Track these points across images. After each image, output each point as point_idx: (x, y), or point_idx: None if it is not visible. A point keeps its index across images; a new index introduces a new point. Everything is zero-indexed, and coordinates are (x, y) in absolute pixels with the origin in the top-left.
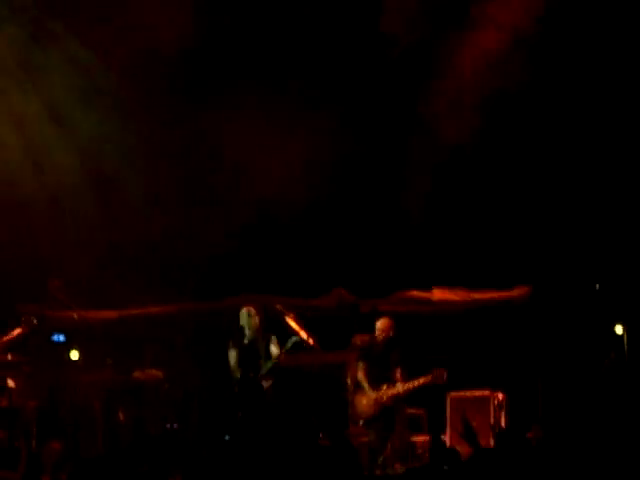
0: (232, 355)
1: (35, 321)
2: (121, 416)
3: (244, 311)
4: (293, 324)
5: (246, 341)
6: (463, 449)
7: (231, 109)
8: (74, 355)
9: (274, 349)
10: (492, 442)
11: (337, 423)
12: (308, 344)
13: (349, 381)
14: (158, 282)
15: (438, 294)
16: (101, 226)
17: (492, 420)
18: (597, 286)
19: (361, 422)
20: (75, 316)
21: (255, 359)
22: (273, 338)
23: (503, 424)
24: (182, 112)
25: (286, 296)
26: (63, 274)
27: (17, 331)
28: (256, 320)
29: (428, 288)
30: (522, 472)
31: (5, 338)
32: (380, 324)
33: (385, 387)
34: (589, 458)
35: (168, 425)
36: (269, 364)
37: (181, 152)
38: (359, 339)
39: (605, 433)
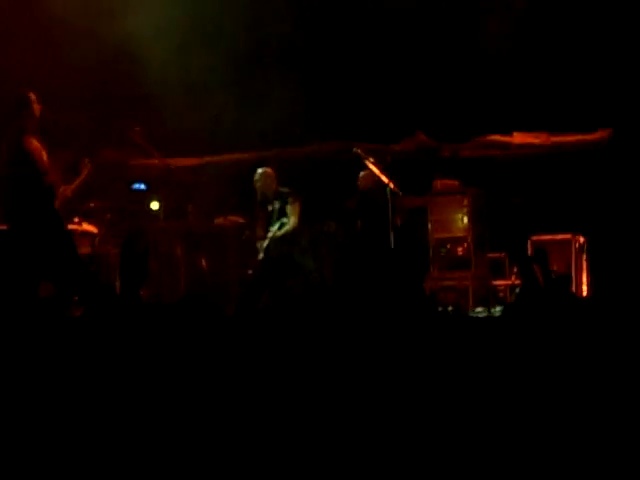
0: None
1: (89, 164)
2: (203, 262)
3: (259, 171)
4: (374, 168)
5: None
6: None
7: None
8: (154, 205)
9: (290, 212)
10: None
11: (419, 267)
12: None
13: (430, 225)
14: (241, 129)
15: (518, 138)
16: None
17: (573, 263)
18: None
19: None
20: (157, 162)
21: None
22: (291, 201)
23: (584, 267)
24: None
25: (366, 141)
26: (144, 120)
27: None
28: (268, 182)
29: (508, 132)
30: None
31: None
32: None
33: None
34: None
35: (249, 271)
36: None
37: None
38: (439, 184)
39: None
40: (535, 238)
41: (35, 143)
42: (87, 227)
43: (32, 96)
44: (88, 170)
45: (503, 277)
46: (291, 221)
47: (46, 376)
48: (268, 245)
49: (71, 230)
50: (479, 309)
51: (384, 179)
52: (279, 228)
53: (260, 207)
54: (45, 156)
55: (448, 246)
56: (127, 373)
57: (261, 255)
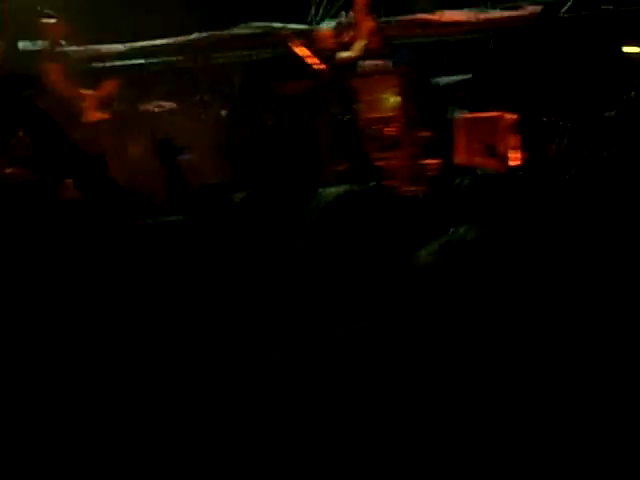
0: None
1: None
2: (130, 150)
3: None
4: (301, 52)
5: None
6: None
7: None
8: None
9: None
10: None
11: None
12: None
13: (359, 106)
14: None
15: (446, 16)
16: None
17: (501, 140)
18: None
19: None
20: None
21: None
22: None
23: (514, 144)
24: None
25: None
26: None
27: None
28: None
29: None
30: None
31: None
32: None
33: None
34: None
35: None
36: None
37: None
38: (368, 64)
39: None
40: (463, 116)
41: None
42: None
43: None
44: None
45: (433, 156)
46: None
47: None
48: None
49: None
50: (412, 187)
51: (312, 62)
52: None
53: None
54: None
55: (379, 126)
56: None
57: None
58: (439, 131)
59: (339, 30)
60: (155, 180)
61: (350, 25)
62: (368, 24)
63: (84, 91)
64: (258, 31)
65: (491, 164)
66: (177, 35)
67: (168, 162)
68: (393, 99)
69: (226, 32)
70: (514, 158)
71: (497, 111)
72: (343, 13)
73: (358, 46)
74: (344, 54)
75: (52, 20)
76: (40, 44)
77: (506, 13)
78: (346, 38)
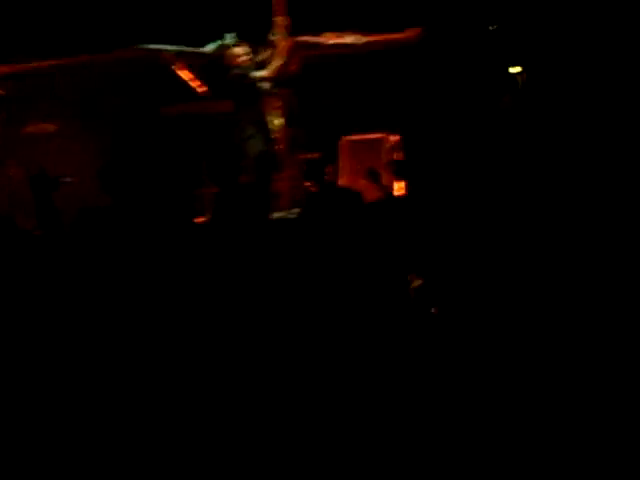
0: None
1: None
2: (12, 170)
3: None
4: (183, 74)
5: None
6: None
7: None
8: None
9: None
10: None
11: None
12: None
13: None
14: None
15: (331, 38)
16: None
17: (384, 162)
18: (492, 27)
19: None
20: None
21: None
22: None
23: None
24: None
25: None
26: None
27: None
28: None
29: (318, 33)
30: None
31: None
32: None
33: None
34: (482, 190)
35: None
36: None
37: None
38: None
39: (498, 170)
40: (346, 139)
41: None
42: None
43: None
44: None
45: (316, 178)
46: None
47: None
48: None
49: None
50: (295, 210)
51: (194, 84)
52: None
53: None
54: None
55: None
56: None
57: None
58: (324, 153)
59: (254, 49)
60: (29, 206)
61: (267, 45)
62: (287, 44)
63: None
64: (141, 53)
65: (373, 187)
66: (60, 57)
67: (41, 195)
68: (277, 121)
69: (108, 54)
70: (397, 184)
71: (381, 133)
72: (227, 35)
73: (274, 65)
74: (259, 73)
75: None
76: None
77: (389, 35)
78: (262, 57)
